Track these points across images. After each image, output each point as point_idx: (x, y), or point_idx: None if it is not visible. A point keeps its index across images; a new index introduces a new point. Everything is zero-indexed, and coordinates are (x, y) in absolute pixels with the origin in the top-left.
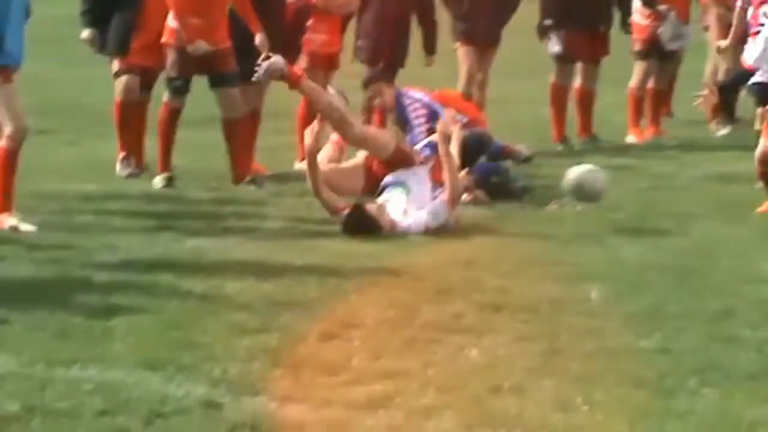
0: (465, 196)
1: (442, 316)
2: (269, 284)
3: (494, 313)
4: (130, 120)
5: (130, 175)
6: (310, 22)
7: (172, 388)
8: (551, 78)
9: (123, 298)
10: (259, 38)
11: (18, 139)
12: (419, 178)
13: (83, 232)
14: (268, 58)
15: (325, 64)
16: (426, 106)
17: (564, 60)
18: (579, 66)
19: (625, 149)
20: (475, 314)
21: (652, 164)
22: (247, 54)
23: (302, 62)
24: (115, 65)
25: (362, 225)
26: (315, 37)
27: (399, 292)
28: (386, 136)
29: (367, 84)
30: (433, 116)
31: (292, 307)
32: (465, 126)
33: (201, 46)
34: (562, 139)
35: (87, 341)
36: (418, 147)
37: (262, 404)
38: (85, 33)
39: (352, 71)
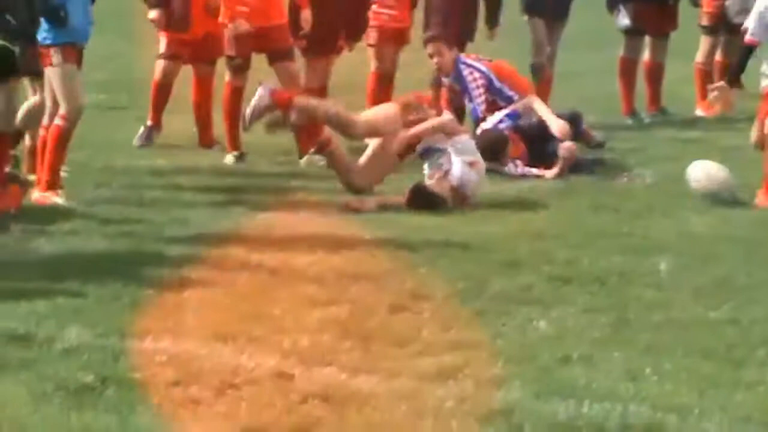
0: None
1: (511, 287)
2: (338, 257)
3: (563, 285)
4: (164, 100)
5: (141, 146)
6: None
7: (244, 359)
8: (620, 51)
9: (194, 272)
10: (304, 14)
11: (72, 120)
12: (456, 143)
13: (154, 206)
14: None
15: (395, 39)
16: (484, 75)
17: (633, 33)
18: (647, 39)
19: (694, 122)
20: (544, 286)
21: (721, 137)
22: (318, 28)
23: (370, 37)
24: (162, 46)
25: (427, 204)
26: (383, 12)
27: (468, 264)
28: (389, 110)
29: (428, 41)
30: (491, 87)
31: (361, 279)
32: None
33: (241, 25)
34: (632, 112)
35: (160, 313)
36: (497, 117)
37: (333, 375)
38: (153, 13)
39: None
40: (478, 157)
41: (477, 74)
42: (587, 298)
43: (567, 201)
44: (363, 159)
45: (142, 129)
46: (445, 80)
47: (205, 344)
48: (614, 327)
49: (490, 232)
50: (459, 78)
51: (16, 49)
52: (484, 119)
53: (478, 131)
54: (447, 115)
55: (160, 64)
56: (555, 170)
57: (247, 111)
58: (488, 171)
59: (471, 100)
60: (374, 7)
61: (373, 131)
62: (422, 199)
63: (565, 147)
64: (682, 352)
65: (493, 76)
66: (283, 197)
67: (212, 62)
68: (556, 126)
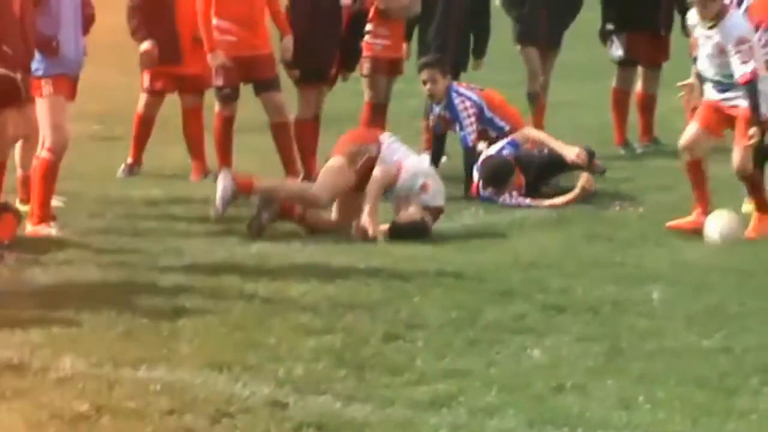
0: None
1: (505, 316)
2: (333, 286)
3: (557, 314)
4: (146, 133)
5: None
6: (371, 27)
7: (238, 387)
8: (613, 82)
9: (189, 301)
10: (285, 41)
11: (58, 152)
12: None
13: (149, 236)
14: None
15: (388, 69)
16: (475, 104)
17: (625, 64)
18: (640, 70)
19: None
20: (537, 315)
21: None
22: (310, 58)
23: (364, 67)
24: (146, 80)
25: (411, 235)
26: (377, 42)
27: (461, 293)
28: (339, 167)
29: (422, 68)
30: (482, 116)
31: (355, 308)
32: (507, 134)
33: (218, 56)
34: (624, 142)
35: (154, 342)
36: (498, 146)
37: (327, 404)
38: (146, 45)
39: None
40: (429, 178)
41: (468, 103)
42: (581, 327)
43: (560, 230)
44: (335, 214)
45: (123, 165)
46: (436, 108)
47: (200, 373)
48: (607, 356)
49: (483, 261)
50: (450, 106)
51: (18, 77)
52: (473, 148)
53: (481, 157)
54: (380, 169)
55: (143, 98)
56: (569, 197)
57: (217, 204)
58: (483, 200)
59: (462, 128)
60: (367, 37)
61: (334, 194)
62: (404, 234)
63: (586, 177)
64: (675, 380)
65: (484, 105)
66: (277, 227)
67: (199, 94)
68: (572, 152)
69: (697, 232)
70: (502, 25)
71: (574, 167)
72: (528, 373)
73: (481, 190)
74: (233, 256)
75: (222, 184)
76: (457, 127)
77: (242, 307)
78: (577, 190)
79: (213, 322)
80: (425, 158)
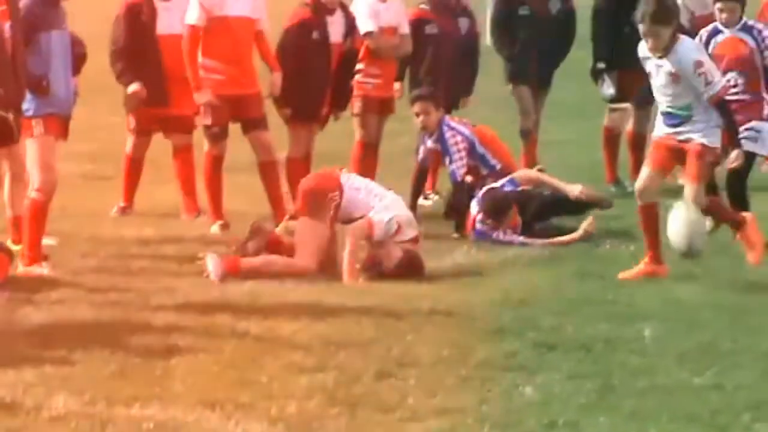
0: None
1: (496, 354)
2: (325, 324)
3: (548, 351)
4: (137, 175)
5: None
6: (362, 66)
7: (231, 425)
8: (604, 121)
9: (181, 339)
10: (274, 77)
11: (47, 192)
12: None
13: (141, 275)
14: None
15: (380, 108)
16: (467, 139)
17: (616, 103)
18: (631, 109)
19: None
20: (529, 352)
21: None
22: (301, 96)
23: (355, 106)
24: (132, 121)
25: (407, 275)
26: (368, 81)
27: (453, 331)
28: (313, 230)
29: (416, 100)
30: (473, 151)
31: (347, 346)
32: (497, 174)
33: (204, 95)
34: (615, 180)
35: (147, 381)
36: (499, 183)
37: None
38: (134, 86)
39: (408, 115)
40: (399, 216)
41: (459, 137)
42: (572, 365)
43: (552, 268)
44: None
45: (115, 208)
46: (427, 141)
47: (193, 411)
48: (600, 393)
49: (474, 299)
50: (441, 139)
51: (10, 116)
52: (462, 182)
53: (483, 190)
54: (351, 235)
55: (130, 139)
56: (570, 237)
57: (213, 277)
58: (478, 234)
59: (451, 162)
60: (358, 76)
61: (320, 257)
62: (401, 276)
63: (591, 221)
64: (667, 417)
65: (476, 140)
66: None
67: (188, 132)
68: (576, 189)
69: (649, 277)
70: (493, 65)
71: (573, 210)
72: (520, 411)
73: (477, 223)
74: (225, 295)
75: (211, 267)
76: (447, 161)
77: (235, 346)
78: (579, 232)
79: (206, 361)
80: (388, 198)
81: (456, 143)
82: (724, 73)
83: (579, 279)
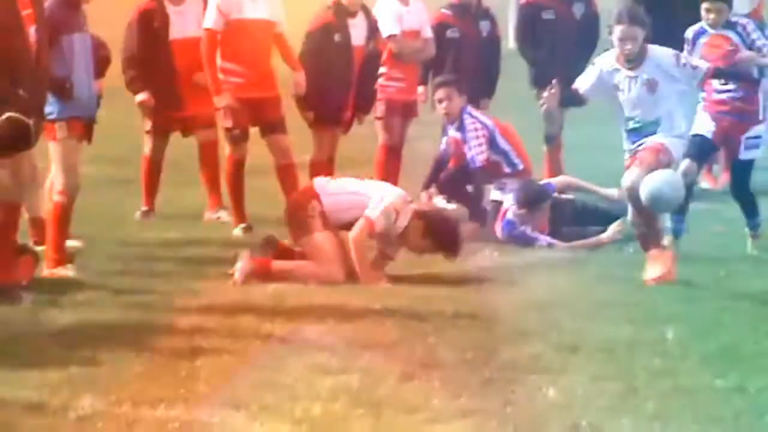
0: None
1: (520, 356)
2: (349, 326)
3: (571, 354)
4: (156, 176)
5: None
6: (385, 69)
7: (256, 427)
8: None
9: (206, 341)
10: (297, 76)
11: (70, 194)
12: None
13: (166, 277)
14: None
15: (403, 112)
16: (487, 129)
17: None
18: None
19: (700, 195)
20: (552, 355)
21: (727, 209)
22: (323, 100)
23: (378, 110)
24: (148, 124)
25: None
26: (391, 85)
27: (476, 333)
28: (323, 243)
29: (439, 86)
30: (493, 142)
31: (372, 348)
32: (519, 173)
33: (224, 98)
34: None
35: (172, 382)
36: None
37: None
38: (141, 96)
39: (431, 119)
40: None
41: (479, 125)
42: (595, 367)
43: (575, 271)
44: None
45: (138, 213)
46: (449, 128)
47: (218, 412)
48: (622, 395)
49: (498, 301)
50: (461, 127)
51: (31, 123)
52: (480, 168)
53: (522, 181)
54: (354, 240)
55: (148, 140)
56: (597, 240)
57: (237, 276)
58: (507, 227)
59: (469, 148)
60: (382, 80)
61: (337, 261)
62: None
63: (619, 225)
64: (690, 419)
65: (497, 133)
66: None
67: (210, 126)
68: (615, 191)
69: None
70: (518, 68)
71: (603, 221)
72: (543, 413)
73: (510, 213)
74: (249, 297)
75: (242, 259)
76: (466, 149)
77: (259, 347)
78: (608, 233)
79: (230, 362)
80: (375, 190)
81: (476, 130)
82: (713, 72)
83: (602, 282)
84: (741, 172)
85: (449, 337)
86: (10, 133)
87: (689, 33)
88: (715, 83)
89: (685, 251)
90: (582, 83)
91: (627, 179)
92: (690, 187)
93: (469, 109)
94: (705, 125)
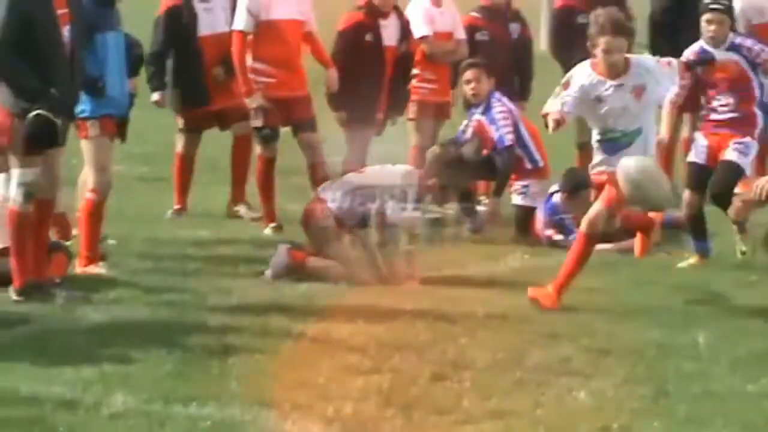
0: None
1: (551, 358)
2: (380, 327)
3: (602, 357)
4: (189, 174)
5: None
6: (417, 70)
7: (288, 425)
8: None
9: (238, 340)
10: (329, 73)
11: (102, 193)
12: None
13: (197, 276)
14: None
15: (435, 113)
16: (513, 115)
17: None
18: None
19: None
20: (583, 357)
21: (758, 212)
22: (356, 100)
23: (410, 111)
24: (181, 121)
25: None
26: (423, 86)
27: (508, 335)
28: (346, 247)
29: (468, 67)
30: (516, 132)
31: (403, 349)
32: (539, 171)
33: (256, 99)
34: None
35: (204, 380)
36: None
37: None
38: (155, 96)
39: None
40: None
41: (506, 108)
42: (626, 370)
43: (606, 275)
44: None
45: (170, 212)
46: (474, 113)
47: (250, 411)
48: (653, 398)
49: (528, 303)
50: (488, 109)
51: (58, 122)
52: (511, 147)
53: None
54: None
55: (180, 138)
56: (632, 242)
57: (268, 273)
58: (549, 210)
59: (498, 129)
60: (414, 81)
61: (362, 266)
62: None
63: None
64: (721, 424)
65: (521, 124)
66: None
67: (245, 118)
68: None
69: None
70: (552, 71)
71: None
72: (574, 415)
73: (556, 196)
74: (281, 297)
75: (278, 251)
76: (494, 129)
77: (290, 347)
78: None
79: (262, 361)
80: (381, 178)
81: (503, 112)
82: (720, 95)
83: (633, 286)
84: (723, 174)
85: (480, 339)
86: (38, 130)
87: (689, 55)
88: (715, 103)
89: (716, 255)
90: (566, 103)
91: (588, 216)
92: (700, 215)
93: (497, 94)
94: (698, 151)
